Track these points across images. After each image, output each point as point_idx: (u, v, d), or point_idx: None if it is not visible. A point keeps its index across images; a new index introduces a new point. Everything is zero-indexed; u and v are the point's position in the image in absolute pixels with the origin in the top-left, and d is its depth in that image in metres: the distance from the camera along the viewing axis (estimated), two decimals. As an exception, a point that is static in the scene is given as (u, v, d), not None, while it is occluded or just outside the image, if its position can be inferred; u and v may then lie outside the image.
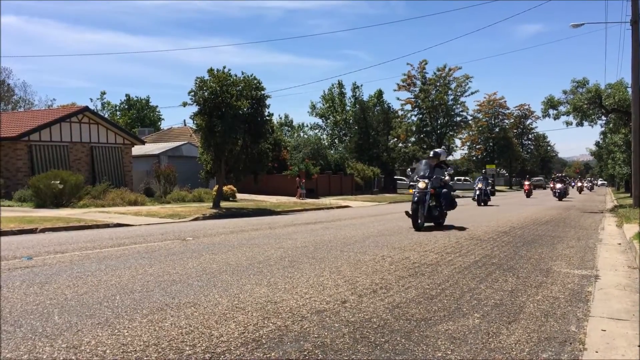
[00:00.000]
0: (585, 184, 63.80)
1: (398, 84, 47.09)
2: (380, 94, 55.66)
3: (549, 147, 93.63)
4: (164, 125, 61.35)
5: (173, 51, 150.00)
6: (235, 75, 19.46)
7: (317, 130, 58.54)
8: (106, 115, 52.91)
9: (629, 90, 21.35)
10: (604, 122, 27.30)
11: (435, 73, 46.62)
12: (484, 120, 62.89)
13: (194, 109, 19.07)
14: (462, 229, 11.53)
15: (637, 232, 9.04)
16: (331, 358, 3.21)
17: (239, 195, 26.88)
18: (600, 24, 42.77)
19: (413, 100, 46.67)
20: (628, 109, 21.53)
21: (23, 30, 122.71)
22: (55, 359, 3.17)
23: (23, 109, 48.08)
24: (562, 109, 24.84)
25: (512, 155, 64.88)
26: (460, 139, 59.21)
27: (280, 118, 62.24)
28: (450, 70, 46.41)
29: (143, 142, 30.55)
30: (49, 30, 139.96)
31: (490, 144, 63.76)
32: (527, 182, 36.08)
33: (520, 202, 26.81)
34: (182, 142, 34.36)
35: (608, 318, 4.17)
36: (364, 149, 45.02)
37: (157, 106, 65.11)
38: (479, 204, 22.18)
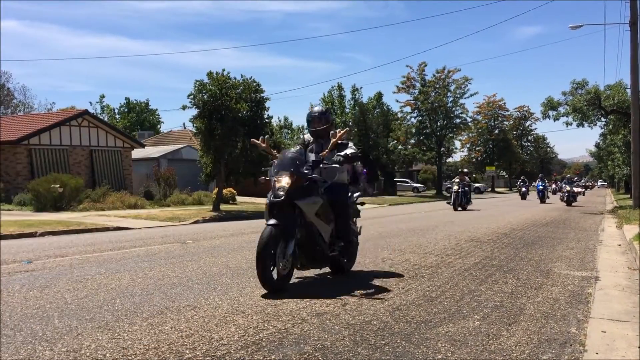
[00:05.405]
0: (573, 185, 47.00)
1: (397, 86, 47.04)
2: (379, 96, 55.65)
3: (548, 149, 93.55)
4: (164, 128, 61.37)
5: (173, 54, 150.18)
6: (235, 78, 19.50)
7: (316, 133, 58.40)
8: (105, 119, 52.89)
9: (628, 91, 21.37)
10: (603, 123, 27.26)
11: (434, 75, 46.60)
12: (483, 122, 62.86)
13: (194, 112, 19.12)
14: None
15: (637, 233, 9.04)
16: (331, 361, 3.20)
17: (238, 198, 26.84)
18: (599, 25, 42.68)
19: (412, 102, 46.66)
20: (627, 110, 21.54)
21: (24, 34, 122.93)
22: (55, 362, 3.16)
23: (23, 113, 48.08)
24: (561, 110, 24.85)
25: (512, 156, 64.82)
26: (460, 140, 59.16)
27: (280, 120, 62.29)
28: (449, 72, 46.39)
29: (143, 145, 30.53)
30: (50, 34, 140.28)
31: (490, 145, 63.70)
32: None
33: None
34: (182, 145, 34.38)
35: (608, 319, 4.17)
36: (364, 151, 45.00)
37: (156, 109, 65.19)
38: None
